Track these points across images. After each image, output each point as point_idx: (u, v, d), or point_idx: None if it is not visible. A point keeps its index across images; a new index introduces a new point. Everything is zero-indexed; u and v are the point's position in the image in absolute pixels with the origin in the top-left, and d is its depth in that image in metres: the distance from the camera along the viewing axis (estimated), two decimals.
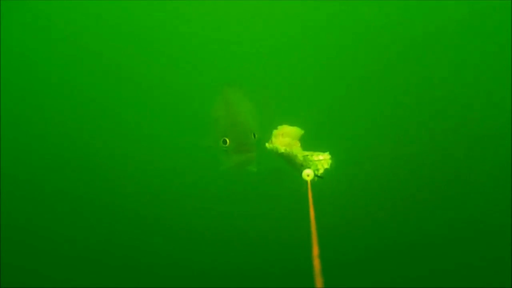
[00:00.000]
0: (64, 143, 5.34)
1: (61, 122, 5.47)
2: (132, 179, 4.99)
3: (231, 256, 4.31)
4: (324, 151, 1.51)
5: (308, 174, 1.44)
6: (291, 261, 3.96)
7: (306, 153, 1.51)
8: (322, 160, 1.46)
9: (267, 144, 1.63)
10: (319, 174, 1.44)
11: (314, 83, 5.65)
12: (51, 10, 6.18)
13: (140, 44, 6.34)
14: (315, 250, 0.84)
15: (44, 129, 5.46)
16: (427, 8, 5.76)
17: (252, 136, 2.67)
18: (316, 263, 0.81)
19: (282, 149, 1.56)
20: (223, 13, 6.32)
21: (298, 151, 1.54)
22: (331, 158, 1.49)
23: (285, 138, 1.58)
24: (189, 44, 6.30)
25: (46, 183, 4.94)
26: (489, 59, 5.30)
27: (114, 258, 4.28)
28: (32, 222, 4.58)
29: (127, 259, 4.31)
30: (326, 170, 1.46)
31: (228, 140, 2.62)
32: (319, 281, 0.82)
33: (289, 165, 1.60)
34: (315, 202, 1.14)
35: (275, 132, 1.64)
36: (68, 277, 4.08)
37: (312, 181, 1.41)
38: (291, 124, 1.66)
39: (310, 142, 1.60)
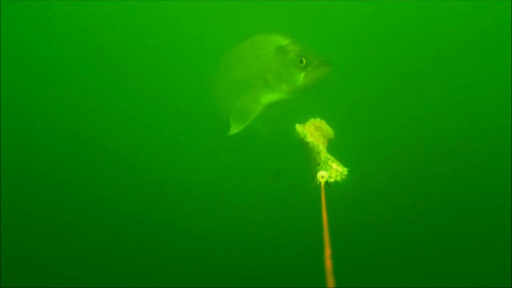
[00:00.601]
0: (65, 142, 5.32)
1: (61, 121, 5.46)
2: (136, 179, 4.98)
3: (237, 259, 4.29)
4: (343, 163, 1.48)
5: (322, 175, 1.43)
6: (298, 264, 3.93)
7: (329, 156, 1.48)
8: (337, 172, 1.43)
9: (297, 125, 1.55)
10: (328, 182, 1.42)
11: (333, 90, 5.66)
12: (50, 10, 6.17)
13: (141, 44, 6.33)
14: (327, 251, 0.80)
15: (45, 128, 5.44)
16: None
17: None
18: (328, 264, 0.78)
19: (310, 138, 1.50)
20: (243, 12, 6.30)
21: (322, 150, 1.50)
22: (347, 175, 1.46)
23: (317, 132, 1.55)
24: (198, 43, 6.28)
25: (46, 183, 4.93)
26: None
27: (116, 257, 4.27)
28: (32, 221, 4.57)
29: (129, 258, 4.29)
30: (336, 181, 1.44)
31: (304, 60, 2.62)
32: (330, 282, 0.78)
33: (305, 158, 1.56)
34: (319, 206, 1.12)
35: (312, 120, 1.58)
36: (70, 275, 4.06)
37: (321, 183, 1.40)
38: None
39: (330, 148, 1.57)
